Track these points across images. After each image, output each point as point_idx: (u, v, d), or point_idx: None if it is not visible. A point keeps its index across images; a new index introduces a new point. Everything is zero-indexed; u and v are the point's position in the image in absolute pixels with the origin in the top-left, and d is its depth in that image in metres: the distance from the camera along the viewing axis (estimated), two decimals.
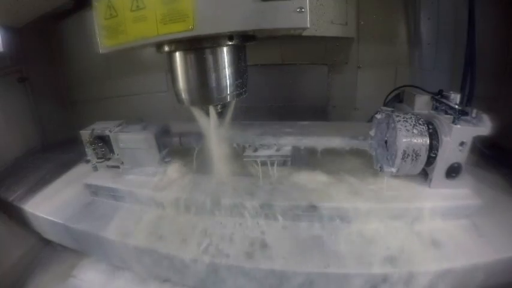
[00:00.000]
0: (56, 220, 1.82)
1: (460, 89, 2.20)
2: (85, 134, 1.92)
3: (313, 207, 1.56)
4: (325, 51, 2.67)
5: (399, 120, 1.53)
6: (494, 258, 1.34)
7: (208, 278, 1.50)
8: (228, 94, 1.51)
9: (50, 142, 2.88)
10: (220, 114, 1.67)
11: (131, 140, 1.85)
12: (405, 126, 1.50)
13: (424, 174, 1.64)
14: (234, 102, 1.63)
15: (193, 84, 1.48)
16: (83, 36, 2.32)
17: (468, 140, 1.44)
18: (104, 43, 1.40)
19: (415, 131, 1.50)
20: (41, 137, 2.87)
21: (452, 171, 1.52)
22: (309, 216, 1.59)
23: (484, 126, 1.41)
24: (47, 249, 2.16)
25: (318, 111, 2.86)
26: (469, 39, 2.13)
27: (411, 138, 1.48)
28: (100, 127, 1.93)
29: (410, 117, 1.55)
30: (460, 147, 1.46)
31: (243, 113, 1.83)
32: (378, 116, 1.69)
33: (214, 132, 1.70)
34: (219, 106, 1.62)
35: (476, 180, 1.61)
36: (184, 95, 1.52)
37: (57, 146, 2.78)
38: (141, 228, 1.66)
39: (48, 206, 1.93)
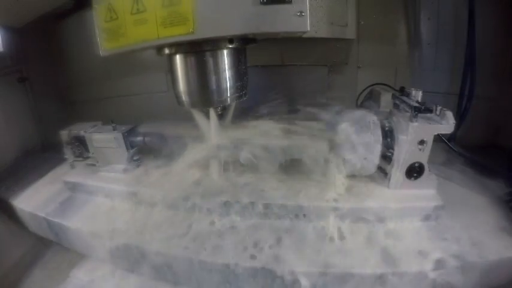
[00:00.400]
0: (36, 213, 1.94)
1: (460, 89, 2.21)
2: (64, 134, 2.05)
3: (267, 205, 1.56)
4: (325, 52, 2.66)
5: (350, 119, 1.51)
6: (456, 264, 1.29)
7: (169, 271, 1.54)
8: (228, 97, 1.51)
9: (49, 142, 2.86)
10: (221, 116, 1.68)
11: (103, 139, 1.95)
12: (355, 125, 1.48)
13: (385, 175, 1.57)
14: (234, 104, 1.64)
15: (193, 86, 1.48)
16: (83, 36, 2.32)
17: (429, 138, 1.38)
18: (104, 46, 1.41)
19: (366, 129, 1.47)
20: (41, 137, 2.88)
21: (414, 171, 1.47)
22: (261, 213, 1.58)
23: (446, 124, 1.34)
24: (47, 249, 2.17)
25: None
26: (469, 39, 2.13)
27: (360, 136, 1.46)
28: (77, 128, 2.05)
29: (363, 116, 1.53)
30: (420, 146, 1.40)
31: (243, 114, 1.84)
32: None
33: (215, 134, 1.71)
34: (219, 108, 1.63)
35: (450, 180, 1.61)
36: (184, 97, 1.53)
37: (57, 146, 2.77)
38: (103, 220, 1.75)
39: (32, 201, 2.04)
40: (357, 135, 1.46)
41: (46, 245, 2.16)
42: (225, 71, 1.45)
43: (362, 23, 2.56)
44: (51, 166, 2.40)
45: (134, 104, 3.08)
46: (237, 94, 1.54)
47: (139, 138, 1.98)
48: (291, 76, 2.77)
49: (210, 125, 1.68)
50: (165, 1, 1.21)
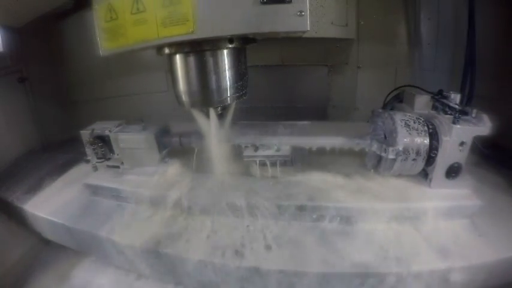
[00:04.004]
0: (55, 220, 1.82)
1: (460, 89, 2.20)
2: (85, 134, 1.92)
3: (316, 207, 1.57)
4: (326, 52, 2.67)
5: (401, 120, 1.53)
6: (494, 258, 1.34)
7: (213, 280, 1.49)
8: (228, 96, 1.51)
9: (50, 142, 2.87)
10: (221, 116, 1.68)
11: (131, 140, 1.85)
12: (405, 126, 1.51)
13: (425, 175, 1.64)
14: (234, 104, 1.64)
15: (193, 86, 1.48)
16: (83, 36, 2.32)
17: (468, 140, 1.44)
18: (104, 46, 1.40)
19: (415, 131, 1.50)
20: (41, 137, 2.87)
21: (452, 172, 1.52)
22: (311, 216, 1.59)
23: (484, 126, 1.41)
24: (47, 249, 2.16)
25: (318, 112, 2.86)
26: (469, 39, 2.12)
27: (411, 138, 1.49)
28: (100, 127, 1.92)
29: (411, 117, 1.56)
30: (460, 147, 1.45)
31: (244, 114, 1.84)
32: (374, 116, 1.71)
33: (215, 134, 1.71)
34: (219, 108, 1.63)
35: (477, 180, 1.61)
36: (184, 97, 1.52)
37: (57, 146, 2.78)
38: (139, 228, 1.66)
39: (49, 206, 1.93)
40: (408, 137, 1.50)
41: (46, 245, 2.15)
42: (225, 70, 1.45)
43: (362, 23, 2.57)
44: (52, 166, 2.40)
45: (134, 104, 3.09)
46: (237, 94, 1.54)
47: (175, 139, 1.89)
48: (291, 76, 2.78)
49: (210, 125, 1.68)
50: (165, 1, 1.21)
